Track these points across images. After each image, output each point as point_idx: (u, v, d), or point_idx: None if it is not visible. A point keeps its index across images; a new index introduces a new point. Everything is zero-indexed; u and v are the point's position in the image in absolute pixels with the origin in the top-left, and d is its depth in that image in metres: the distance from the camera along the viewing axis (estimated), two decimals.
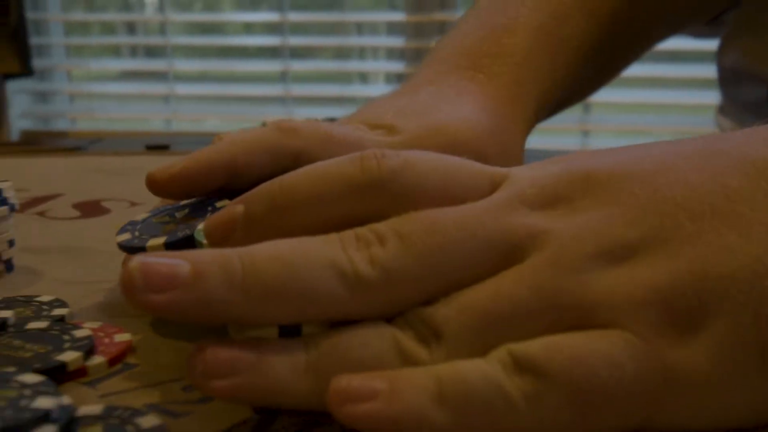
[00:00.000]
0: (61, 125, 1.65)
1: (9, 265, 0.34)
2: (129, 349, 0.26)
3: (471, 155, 0.27)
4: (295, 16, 1.53)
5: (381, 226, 0.22)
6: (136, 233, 0.28)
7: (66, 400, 0.20)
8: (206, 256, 0.20)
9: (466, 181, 0.23)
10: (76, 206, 0.47)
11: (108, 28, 1.75)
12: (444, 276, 0.21)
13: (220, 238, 0.23)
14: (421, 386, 0.18)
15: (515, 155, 0.37)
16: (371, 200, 0.23)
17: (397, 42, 1.56)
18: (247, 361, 0.19)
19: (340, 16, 1.58)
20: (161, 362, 0.25)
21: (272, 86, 1.60)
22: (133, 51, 1.76)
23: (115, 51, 1.77)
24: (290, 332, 0.21)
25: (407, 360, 0.20)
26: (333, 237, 0.21)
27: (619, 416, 0.19)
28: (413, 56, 1.49)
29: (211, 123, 1.64)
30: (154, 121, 1.65)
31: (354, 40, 1.61)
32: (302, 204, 0.23)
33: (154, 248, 0.26)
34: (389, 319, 0.21)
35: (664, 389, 0.19)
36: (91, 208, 0.46)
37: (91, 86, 1.69)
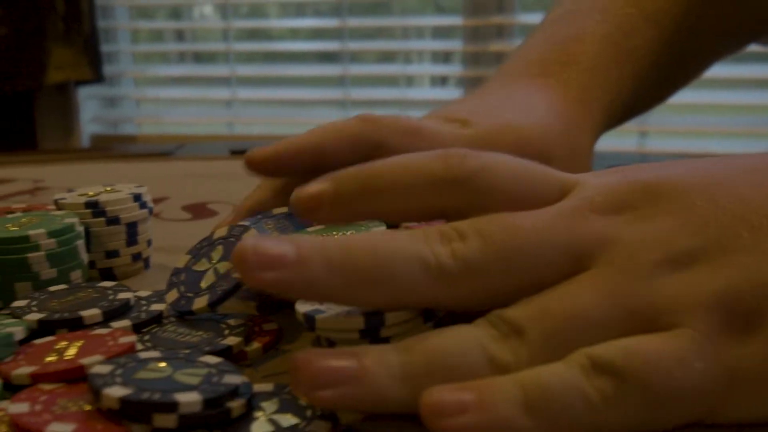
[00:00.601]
0: (128, 129, 1.71)
1: (147, 263, 0.38)
2: (280, 336, 0.29)
3: (539, 154, 0.30)
4: (354, 21, 1.56)
5: (462, 225, 0.24)
6: (182, 289, 0.29)
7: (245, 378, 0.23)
8: (310, 241, 0.23)
9: (539, 185, 0.25)
10: (186, 209, 0.51)
11: (156, 36, 1.81)
12: (519, 275, 0.23)
13: (306, 211, 0.25)
14: (508, 395, 0.20)
15: (583, 158, 0.40)
16: (451, 196, 0.25)
17: (452, 45, 1.59)
18: (348, 372, 0.21)
19: (396, 20, 1.61)
20: (310, 347, 0.28)
21: (330, 90, 1.64)
22: (182, 57, 1.81)
23: (164, 57, 1.82)
24: (375, 323, 0.24)
25: (492, 361, 0.21)
26: (419, 232, 0.24)
27: (687, 412, 0.21)
28: (471, 59, 1.51)
29: (271, 126, 1.68)
30: (216, 124, 1.70)
31: (412, 44, 1.64)
32: (389, 190, 0.25)
33: (201, 311, 0.28)
34: (470, 318, 0.23)
35: (728, 385, 0.21)
36: (199, 211, 0.50)
37: (158, 91, 1.75)
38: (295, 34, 1.74)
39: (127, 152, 0.80)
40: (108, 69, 1.62)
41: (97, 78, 1.57)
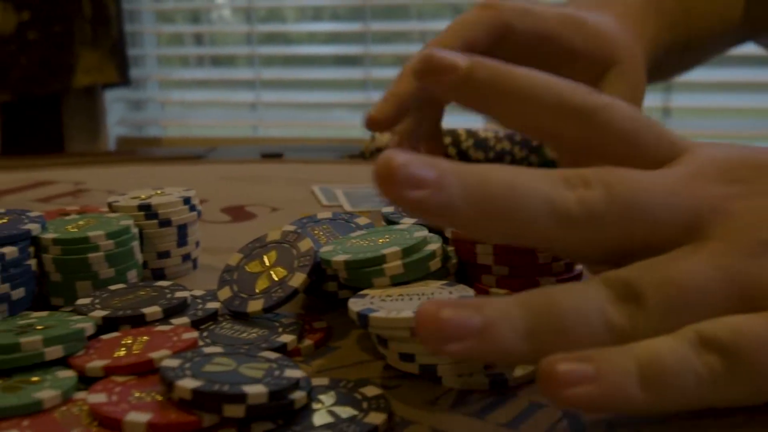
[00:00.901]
0: (153, 132, 1.74)
1: (195, 264, 0.39)
2: (330, 333, 0.30)
3: (605, 51, 0.39)
4: (377, 26, 1.58)
5: (586, 172, 0.24)
6: (235, 288, 0.31)
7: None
8: (450, 166, 0.23)
9: (653, 140, 0.26)
10: (225, 211, 0.52)
11: (176, 39, 1.83)
12: (635, 232, 0.24)
13: (430, 72, 0.25)
14: (623, 368, 0.21)
15: (640, 70, 0.46)
16: (573, 124, 0.26)
17: None
18: (473, 327, 0.21)
19: (417, 24, 1.62)
20: (358, 345, 0.30)
21: (352, 93, 1.66)
22: (200, 61, 1.84)
23: (184, 61, 1.85)
24: None
25: (609, 324, 0.22)
26: (548, 173, 0.24)
27: None
28: None
29: (295, 129, 1.70)
30: (241, 127, 1.72)
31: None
32: (517, 95, 0.26)
33: (256, 313, 0.30)
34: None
35: None
36: (238, 213, 0.52)
37: (183, 94, 1.77)
38: (312, 37, 1.75)
39: (161, 155, 0.82)
40: (134, 72, 1.65)
41: (124, 81, 1.60)
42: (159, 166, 0.72)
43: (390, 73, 1.66)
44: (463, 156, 0.68)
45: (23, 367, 0.25)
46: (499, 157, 0.67)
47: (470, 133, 0.69)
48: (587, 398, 0.21)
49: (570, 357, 0.21)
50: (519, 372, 0.26)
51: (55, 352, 0.26)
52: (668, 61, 0.52)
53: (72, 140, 1.68)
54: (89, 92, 1.67)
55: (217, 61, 1.83)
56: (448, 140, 0.69)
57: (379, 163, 0.22)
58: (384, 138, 0.73)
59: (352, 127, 1.64)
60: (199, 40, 1.83)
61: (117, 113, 1.73)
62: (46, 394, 0.24)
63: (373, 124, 0.40)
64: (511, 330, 0.22)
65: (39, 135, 1.80)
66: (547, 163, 0.65)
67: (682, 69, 0.58)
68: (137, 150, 1.51)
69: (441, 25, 1.71)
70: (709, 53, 0.58)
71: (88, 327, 0.27)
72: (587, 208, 0.23)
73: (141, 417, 0.22)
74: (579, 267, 0.32)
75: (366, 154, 0.73)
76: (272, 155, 0.77)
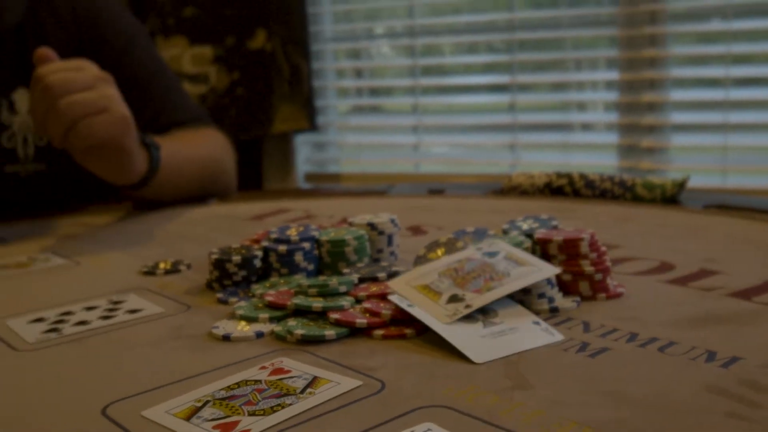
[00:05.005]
0: (332, 169, 2.08)
1: (395, 256, 0.67)
2: None
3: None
4: (522, 56, 1.84)
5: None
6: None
7: None
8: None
9: None
10: (408, 228, 0.80)
11: (341, 73, 2.16)
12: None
13: None
14: None
15: None
16: None
17: (611, 76, 1.82)
18: None
19: (559, 54, 1.86)
20: None
21: (498, 115, 1.92)
22: (359, 92, 2.16)
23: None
24: None
25: None
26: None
27: None
28: (626, 87, 1.74)
29: (457, 166, 1.99)
30: (404, 164, 2.03)
31: (575, 77, 1.87)
32: None
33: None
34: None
35: None
36: (416, 230, 0.79)
37: (357, 138, 2.11)
38: (468, 69, 2.02)
39: (362, 190, 1.12)
40: (319, 119, 2.00)
41: (312, 127, 1.95)
42: (357, 198, 1.02)
43: (534, 98, 1.91)
44: (577, 193, 0.93)
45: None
46: (603, 193, 0.91)
47: (582, 176, 0.94)
48: None
49: None
50: (565, 305, 0.52)
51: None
52: None
53: (268, 178, 2.05)
54: (283, 137, 2.04)
55: (376, 92, 2.15)
56: (565, 181, 0.94)
57: None
58: (519, 178, 0.99)
59: (497, 165, 1.90)
60: (359, 73, 2.16)
61: (304, 153, 2.08)
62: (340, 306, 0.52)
63: None
64: None
65: (241, 173, 2.20)
66: (637, 198, 0.89)
67: None
68: (335, 186, 1.85)
69: (590, 53, 1.94)
70: None
71: (354, 279, 0.55)
72: None
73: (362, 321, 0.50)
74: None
75: (505, 190, 0.99)
76: (436, 191, 1.05)
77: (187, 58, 2.00)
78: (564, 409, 0.37)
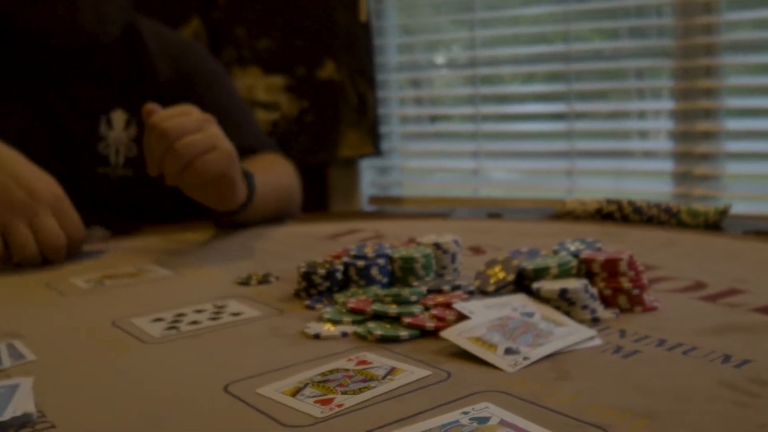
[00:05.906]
0: (395, 192, 2.18)
1: (458, 272, 0.76)
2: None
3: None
4: (578, 86, 1.92)
5: None
6: (477, 282, 0.67)
7: None
8: None
9: None
10: (469, 249, 0.89)
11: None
12: None
13: None
14: None
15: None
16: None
17: (666, 105, 1.88)
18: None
19: (615, 84, 1.92)
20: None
21: (556, 142, 2.00)
22: (419, 119, 2.26)
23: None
24: None
25: None
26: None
27: None
28: (681, 116, 1.80)
29: (510, 190, 2.07)
30: (461, 188, 2.12)
31: (631, 106, 1.95)
32: None
33: (491, 291, 0.65)
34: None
35: None
36: (476, 250, 0.88)
37: (419, 162, 2.21)
38: (526, 97, 2.11)
39: (426, 213, 1.21)
40: (382, 145, 2.11)
41: (377, 153, 2.06)
42: (421, 220, 1.11)
43: (590, 125, 1.98)
44: (625, 218, 1.01)
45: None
46: (650, 219, 0.99)
47: (630, 203, 1.01)
48: None
49: None
50: (605, 316, 0.60)
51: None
52: None
53: (334, 200, 2.17)
54: (349, 161, 2.15)
55: (435, 118, 2.25)
56: (614, 207, 1.02)
57: None
58: (572, 204, 1.08)
59: (554, 190, 1.97)
60: (419, 102, 2.27)
61: (368, 177, 2.19)
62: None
63: None
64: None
65: (308, 195, 2.32)
66: (681, 224, 0.96)
67: None
68: (400, 209, 1.95)
69: (646, 84, 2.03)
70: None
71: (423, 290, 0.65)
72: None
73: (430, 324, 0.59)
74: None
75: (559, 215, 1.08)
76: (494, 214, 1.13)
77: (260, 87, 2.13)
78: (599, 396, 0.45)
